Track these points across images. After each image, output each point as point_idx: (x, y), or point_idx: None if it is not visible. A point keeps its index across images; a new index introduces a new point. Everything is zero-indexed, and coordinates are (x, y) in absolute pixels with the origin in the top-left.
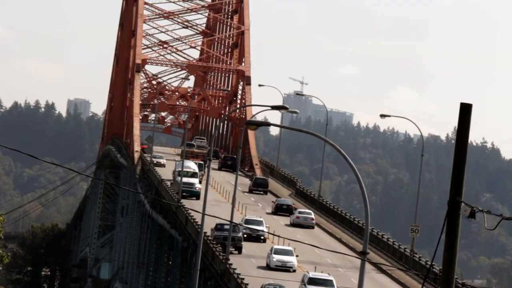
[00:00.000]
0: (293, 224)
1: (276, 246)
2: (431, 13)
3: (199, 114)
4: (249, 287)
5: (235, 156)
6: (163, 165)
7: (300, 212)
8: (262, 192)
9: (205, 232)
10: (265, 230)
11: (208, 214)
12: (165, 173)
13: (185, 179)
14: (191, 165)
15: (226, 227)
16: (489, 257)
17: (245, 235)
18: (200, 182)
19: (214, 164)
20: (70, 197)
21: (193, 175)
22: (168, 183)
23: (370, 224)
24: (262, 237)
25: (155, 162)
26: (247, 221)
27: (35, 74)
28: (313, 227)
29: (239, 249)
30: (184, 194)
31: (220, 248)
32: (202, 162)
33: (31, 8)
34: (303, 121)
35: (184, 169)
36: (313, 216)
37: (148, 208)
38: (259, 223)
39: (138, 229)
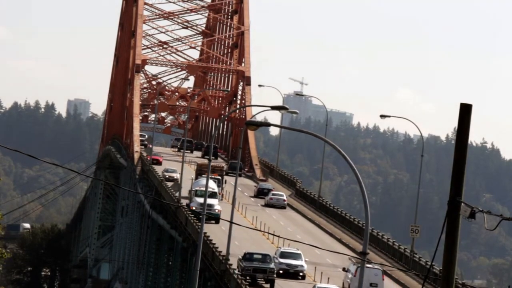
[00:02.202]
0: (267, 205)
1: (319, 285)
2: (431, 14)
3: (199, 115)
4: None
5: (217, 145)
6: (176, 180)
7: (273, 194)
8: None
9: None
10: (304, 265)
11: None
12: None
13: (202, 200)
14: (210, 184)
15: (256, 256)
16: (489, 258)
17: (280, 271)
18: (220, 200)
19: (198, 153)
20: (70, 197)
21: (212, 195)
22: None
23: (370, 225)
24: (300, 273)
25: (167, 176)
26: (283, 254)
27: (35, 75)
28: (284, 207)
29: (271, 283)
30: (201, 216)
31: (249, 280)
32: (219, 178)
33: (31, 8)
34: (303, 121)
35: (202, 188)
36: (284, 197)
37: (148, 209)
38: (297, 256)
39: (138, 230)
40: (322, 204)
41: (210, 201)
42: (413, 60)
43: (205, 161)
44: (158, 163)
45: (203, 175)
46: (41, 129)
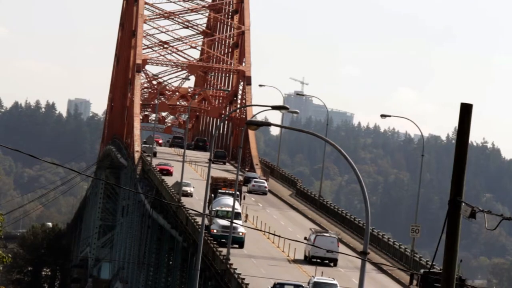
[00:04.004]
0: (250, 191)
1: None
2: (431, 14)
3: (199, 114)
4: (249, 287)
5: (206, 139)
6: (190, 195)
7: (255, 181)
8: (221, 163)
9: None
10: None
11: (208, 214)
12: (194, 205)
13: (224, 222)
14: (232, 202)
15: (287, 287)
16: (489, 257)
17: None
18: (244, 221)
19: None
20: (71, 197)
21: (235, 216)
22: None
23: (371, 224)
24: None
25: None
26: (317, 285)
27: (36, 74)
28: (266, 194)
29: None
30: (224, 240)
31: None
32: (238, 193)
33: (32, 8)
34: (304, 121)
35: (223, 208)
36: (266, 184)
37: (148, 208)
38: (332, 287)
39: (138, 229)
40: (323, 204)
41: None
42: (413, 60)
43: (221, 174)
44: (169, 173)
45: (220, 190)
46: (42, 128)
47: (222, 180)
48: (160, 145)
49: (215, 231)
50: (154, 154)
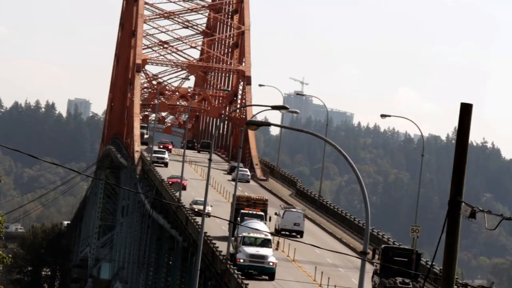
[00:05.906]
0: (234, 179)
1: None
2: (432, 13)
3: (199, 114)
4: (249, 287)
5: (194, 140)
6: (207, 215)
7: (239, 170)
8: (207, 152)
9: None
10: None
11: (208, 214)
12: (212, 227)
13: (252, 250)
14: (262, 227)
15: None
16: (489, 257)
17: None
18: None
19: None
20: (71, 197)
21: (264, 243)
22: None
23: (371, 224)
24: None
25: (196, 210)
26: None
27: (36, 74)
28: (248, 182)
29: None
30: (251, 271)
31: None
32: (262, 214)
33: (32, 8)
34: (304, 121)
35: (252, 235)
36: (248, 173)
37: (148, 208)
38: None
39: (138, 229)
40: (323, 204)
41: (262, 251)
42: (413, 60)
43: (244, 193)
44: (183, 188)
45: (242, 210)
46: (42, 128)
47: (245, 199)
48: (170, 150)
49: (241, 260)
50: (166, 165)
